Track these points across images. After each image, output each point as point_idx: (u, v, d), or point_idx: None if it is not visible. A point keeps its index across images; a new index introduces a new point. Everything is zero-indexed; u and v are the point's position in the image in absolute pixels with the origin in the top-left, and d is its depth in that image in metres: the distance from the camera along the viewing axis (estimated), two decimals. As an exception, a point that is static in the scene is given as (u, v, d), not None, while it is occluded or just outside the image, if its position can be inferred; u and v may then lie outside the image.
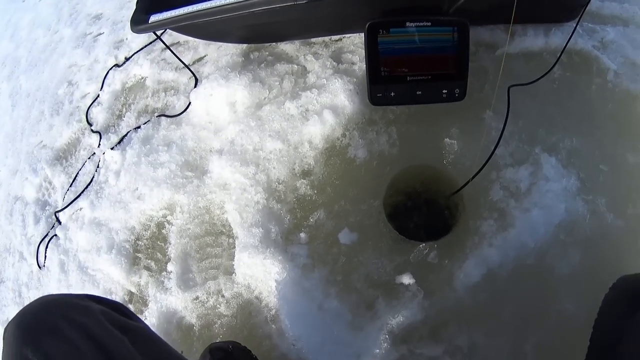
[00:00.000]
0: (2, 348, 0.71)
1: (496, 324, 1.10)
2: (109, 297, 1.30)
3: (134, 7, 1.30)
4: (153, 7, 1.27)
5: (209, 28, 1.36)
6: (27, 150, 1.85)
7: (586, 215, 1.18)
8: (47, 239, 1.52)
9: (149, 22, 1.23)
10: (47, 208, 1.62)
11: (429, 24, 1.14)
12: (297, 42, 1.50)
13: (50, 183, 1.67)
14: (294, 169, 1.27)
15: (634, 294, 0.99)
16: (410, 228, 1.21)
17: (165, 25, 1.25)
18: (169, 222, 1.34)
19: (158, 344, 0.89)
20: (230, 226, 1.26)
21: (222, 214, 1.29)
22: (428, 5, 1.19)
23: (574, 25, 1.32)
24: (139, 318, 0.92)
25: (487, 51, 1.41)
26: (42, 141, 1.81)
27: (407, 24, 1.14)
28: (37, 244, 1.54)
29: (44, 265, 1.51)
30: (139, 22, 1.25)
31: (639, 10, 1.60)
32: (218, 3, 1.18)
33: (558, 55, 1.31)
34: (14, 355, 0.70)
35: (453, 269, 1.14)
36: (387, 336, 1.10)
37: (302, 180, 1.26)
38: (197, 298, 1.24)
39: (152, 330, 0.92)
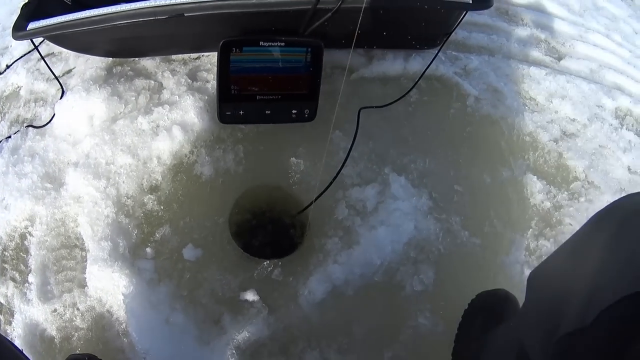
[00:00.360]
0: None
1: (348, 340, 1.12)
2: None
3: None
4: (35, 15, 1.27)
5: (77, 39, 1.36)
6: None
7: (439, 233, 1.22)
8: None
9: (27, 29, 1.24)
10: None
11: (283, 43, 1.17)
12: (158, 59, 1.51)
13: None
14: (143, 184, 1.28)
15: (491, 309, 1.04)
16: (255, 246, 1.23)
17: (39, 33, 1.26)
18: (30, 234, 1.32)
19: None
20: (82, 239, 1.26)
21: (76, 226, 1.28)
22: (285, 27, 1.20)
23: (436, 52, 1.39)
24: None
25: (343, 74, 1.42)
26: None
27: (261, 43, 1.16)
28: None
29: None
30: (19, 28, 1.25)
31: (506, 41, 1.69)
32: (85, 15, 1.19)
33: (416, 80, 1.37)
34: None
35: (297, 285, 1.16)
36: (234, 351, 1.11)
37: (149, 195, 1.26)
38: (55, 310, 1.22)
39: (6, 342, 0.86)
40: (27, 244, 1.31)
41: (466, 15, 1.30)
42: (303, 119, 1.24)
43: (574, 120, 1.55)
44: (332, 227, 1.21)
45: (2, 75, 1.71)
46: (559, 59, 1.76)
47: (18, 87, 1.66)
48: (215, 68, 1.29)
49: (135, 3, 1.18)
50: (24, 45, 1.74)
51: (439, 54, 1.40)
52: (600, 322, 0.55)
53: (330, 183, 1.17)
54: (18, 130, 1.49)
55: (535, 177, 1.37)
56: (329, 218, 1.22)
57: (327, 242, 1.19)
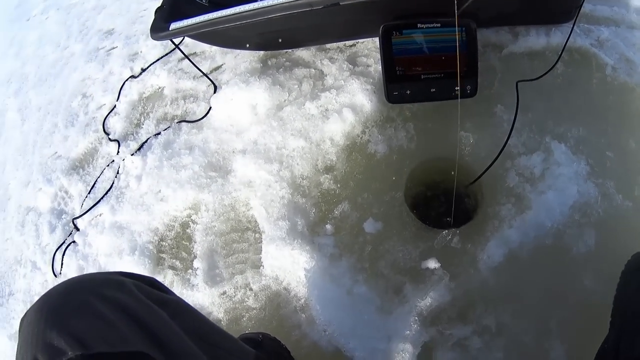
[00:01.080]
0: (18, 342, 0.63)
1: (521, 304, 1.15)
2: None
3: (148, 20, 1.37)
4: (171, 16, 1.34)
5: (227, 35, 1.42)
6: (39, 162, 1.87)
7: (597, 197, 1.25)
8: (64, 246, 1.53)
9: (170, 29, 1.30)
10: (63, 216, 1.63)
11: (439, 25, 1.22)
12: (312, 49, 1.57)
13: (66, 192, 1.69)
14: (317, 165, 1.34)
15: None
16: (433, 217, 1.28)
17: (185, 32, 1.32)
18: (193, 222, 1.39)
19: (199, 317, 0.85)
20: (256, 222, 1.32)
21: (248, 210, 1.34)
22: (435, 11, 1.25)
23: (572, 26, 1.42)
24: (174, 293, 0.85)
25: (494, 51, 1.49)
26: (56, 152, 1.84)
27: (419, 25, 1.21)
28: (53, 253, 1.53)
29: (59, 273, 1.51)
30: (159, 29, 1.31)
31: (627, 12, 1.71)
32: (236, 10, 1.24)
33: (559, 53, 1.40)
34: (34, 344, 0.60)
35: (476, 251, 1.20)
36: (416, 318, 1.14)
37: (325, 175, 1.32)
38: (224, 293, 1.27)
39: (189, 304, 0.86)
40: (189, 231, 1.38)
41: None
42: (465, 95, 1.28)
43: None
44: (504, 195, 1.25)
45: (137, 79, 1.82)
46: None
47: (160, 87, 1.75)
48: (374, 53, 1.36)
49: None
50: (157, 49, 1.85)
51: (574, 28, 1.45)
52: None
53: (500, 153, 1.22)
54: (169, 127, 1.57)
55: None
56: (501, 186, 1.26)
57: (501, 209, 1.23)
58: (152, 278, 0.82)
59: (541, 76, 1.36)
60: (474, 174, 1.25)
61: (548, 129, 1.34)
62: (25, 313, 0.64)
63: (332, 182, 1.31)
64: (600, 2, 1.73)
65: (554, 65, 1.38)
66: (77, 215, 1.57)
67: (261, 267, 1.28)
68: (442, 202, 1.31)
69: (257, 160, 1.35)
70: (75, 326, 0.61)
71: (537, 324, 1.13)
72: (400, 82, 1.27)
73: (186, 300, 1.16)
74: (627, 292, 1.04)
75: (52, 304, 0.64)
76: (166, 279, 1.35)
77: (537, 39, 1.49)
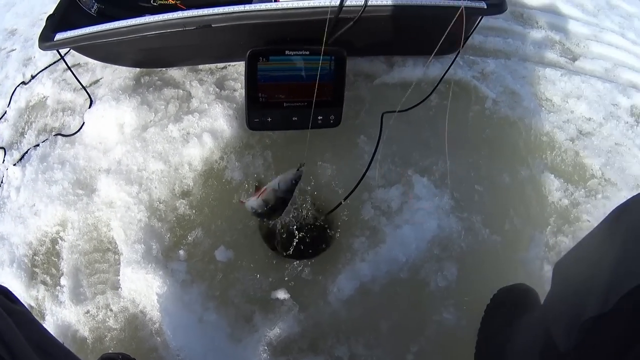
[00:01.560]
0: None
1: (375, 335, 1.17)
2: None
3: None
4: (60, 26, 1.34)
5: (106, 49, 1.42)
6: None
7: (461, 231, 1.28)
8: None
9: (54, 39, 1.30)
10: None
11: (308, 52, 1.24)
12: (185, 69, 1.58)
13: None
14: (174, 189, 1.35)
15: (513, 302, 1.10)
16: (286, 248, 1.27)
17: (67, 44, 1.33)
18: (61, 238, 1.38)
19: (41, 329, 0.88)
20: (115, 243, 1.32)
21: (109, 231, 1.34)
22: (309, 37, 1.27)
23: (453, 58, 1.45)
24: (23, 304, 0.89)
25: (366, 80, 1.51)
26: None
27: (287, 52, 1.23)
28: None
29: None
30: (45, 39, 1.32)
31: (522, 44, 1.75)
32: (115, 26, 1.26)
33: (435, 85, 1.43)
34: None
35: (327, 283, 1.22)
36: (266, 347, 1.16)
37: (181, 200, 1.33)
38: (88, 312, 1.27)
39: (34, 316, 0.89)
40: (58, 248, 1.37)
41: (482, 20, 1.36)
42: (329, 124, 1.31)
43: (589, 119, 1.60)
44: (359, 227, 1.27)
45: (27, 86, 1.79)
46: (574, 59, 1.82)
47: (44, 97, 1.73)
48: (243, 77, 1.35)
49: (165, 14, 1.25)
50: (48, 56, 1.82)
51: (457, 59, 1.47)
52: (619, 307, 0.61)
53: (356, 185, 1.23)
54: (47, 139, 1.55)
55: (553, 175, 1.42)
56: (356, 219, 1.28)
57: (354, 241, 1.25)
58: (5, 288, 0.85)
59: (410, 108, 1.37)
60: (330, 205, 1.26)
61: (412, 161, 1.37)
62: None
63: (187, 207, 1.32)
64: (493, 34, 1.77)
65: (426, 98, 1.40)
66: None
67: (120, 289, 1.28)
68: (295, 233, 1.31)
69: (119, 181, 1.35)
70: None
71: (393, 355, 1.15)
72: (262, 109, 1.29)
73: (57, 317, 1.27)
74: (492, 326, 1.06)
75: None
76: (39, 293, 1.34)
77: (412, 71, 1.52)
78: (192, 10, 1.22)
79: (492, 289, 1.06)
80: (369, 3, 1.21)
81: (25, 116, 1.72)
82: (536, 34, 1.86)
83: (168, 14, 1.23)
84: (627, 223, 0.70)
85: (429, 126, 1.44)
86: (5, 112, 1.76)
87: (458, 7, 1.26)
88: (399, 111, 1.35)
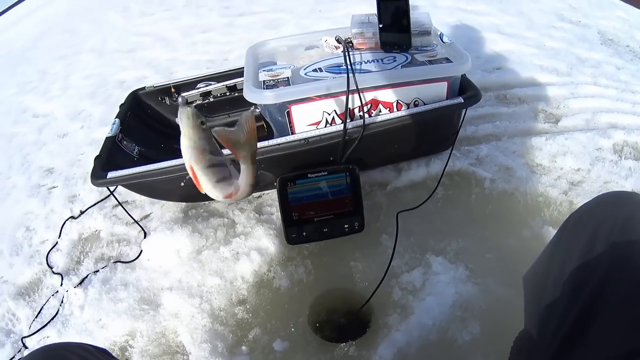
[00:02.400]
0: None
1: None
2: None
3: (85, 164, 1.74)
4: (107, 165, 1.67)
5: (155, 186, 1.72)
6: None
7: (478, 293, 1.49)
8: (14, 363, 1.70)
9: (107, 177, 1.59)
10: (11, 335, 1.83)
11: (326, 172, 1.54)
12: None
13: (13, 315, 1.92)
14: (232, 299, 1.66)
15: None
16: (332, 334, 1.58)
17: (120, 181, 1.63)
18: (130, 346, 1.65)
19: None
20: (183, 346, 1.60)
21: (176, 337, 1.63)
22: (324, 160, 1.65)
23: (449, 153, 1.84)
24: None
25: (380, 188, 1.89)
26: (2, 276, 2.10)
27: (309, 175, 1.54)
28: (2, 369, 1.70)
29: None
30: (98, 177, 1.59)
31: (509, 123, 2.15)
32: (162, 165, 1.61)
33: (438, 180, 1.81)
34: None
35: (370, 355, 1.47)
36: None
37: (239, 307, 1.64)
38: None
39: None
40: (127, 354, 1.64)
41: (469, 112, 1.68)
42: (354, 230, 1.60)
43: (578, 169, 1.87)
44: (391, 307, 1.50)
45: (76, 220, 2.17)
46: (557, 121, 2.12)
47: (97, 230, 2.10)
48: (276, 202, 1.69)
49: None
50: (94, 193, 2.23)
51: (453, 152, 1.77)
52: (563, 290, 0.79)
53: (384, 277, 1.50)
54: (106, 265, 1.90)
55: (551, 227, 1.65)
56: (387, 301, 1.52)
57: (389, 319, 1.47)
58: (104, 349, 1.01)
59: (420, 205, 1.71)
60: (366, 295, 1.56)
61: (429, 247, 1.68)
62: None
63: (245, 312, 1.63)
64: (483, 121, 2.19)
65: (432, 193, 1.75)
66: (26, 335, 1.79)
67: None
68: (340, 322, 1.63)
69: (182, 295, 1.67)
70: None
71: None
72: (297, 225, 1.57)
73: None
74: None
75: (34, 356, 0.82)
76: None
77: (417, 171, 1.88)
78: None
79: (513, 333, 1.18)
80: (367, 122, 1.54)
81: (80, 247, 2.05)
82: (520, 110, 2.20)
83: None
84: (566, 233, 0.90)
85: (439, 215, 1.74)
86: (57, 243, 2.11)
87: (439, 108, 1.63)
88: (410, 209, 1.67)
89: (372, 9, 1.73)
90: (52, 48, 5.25)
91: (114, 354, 1.61)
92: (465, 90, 1.67)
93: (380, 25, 1.76)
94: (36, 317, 1.87)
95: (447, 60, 1.64)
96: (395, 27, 1.75)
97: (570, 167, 1.91)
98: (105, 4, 6.60)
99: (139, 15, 5.46)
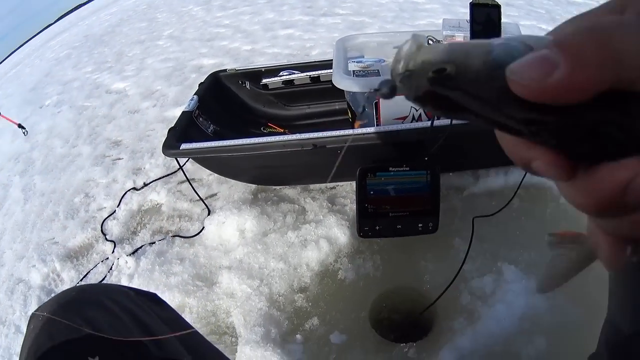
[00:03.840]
0: (30, 333, 0.72)
1: None
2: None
3: (153, 140, 1.71)
4: (181, 138, 1.66)
5: (228, 163, 1.72)
6: (37, 242, 2.14)
7: (547, 308, 1.44)
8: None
9: (180, 148, 1.61)
10: (52, 294, 1.75)
11: (407, 168, 1.48)
12: (298, 188, 1.93)
13: (58, 275, 1.93)
14: (293, 285, 1.61)
15: None
16: (392, 334, 1.51)
17: (193, 154, 1.63)
18: None
19: (212, 350, 0.95)
20: (234, 328, 1.55)
21: (227, 317, 1.58)
22: (407, 155, 1.60)
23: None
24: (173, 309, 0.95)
25: (456, 193, 1.84)
26: (54, 238, 2.12)
27: (390, 168, 1.48)
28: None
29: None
30: (171, 147, 1.62)
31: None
32: (238, 142, 1.58)
33: (515, 191, 1.74)
34: (49, 325, 0.70)
35: (430, 358, 1.41)
36: None
37: (299, 294, 1.59)
38: None
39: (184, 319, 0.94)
40: None
41: None
42: (428, 231, 1.52)
43: None
44: (458, 312, 1.46)
45: (139, 192, 2.17)
46: None
47: (158, 203, 2.09)
48: (351, 195, 1.67)
49: (284, 136, 1.60)
50: (160, 168, 2.23)
51: None
52: None
53: (453, 279, 1.45)
54: (163, 238, 1.88)
55: None
56: (455, 305, 1.49)
57: (454, 323, 1.42)
58: (154, 293, 0.93)
59: (496, 212, 1.64)
60: (431, 299, 1.49)
61: (501, 255, 1.61)
62: (39, 307, 0.75)
63: (304, 300, 1.58)
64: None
65: (509, 202, 1.69)
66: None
67: None
68: (402, 323, 1.55)
69: (241, 276, 1.63)
70: (88, 313, 0.73)
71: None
72: (371, 218, 1.52)
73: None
74: None
75: (68, 295, 0.77)
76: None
77: (495, 180, 1.83)
78: (311, 134, 1.54)
79: (580, 354, 1.09)
80: (453, 123, 1.48)
81: (138, 218, 2.05)
82: None
83: (285, 135, 1.56)
84: None
85: (514, 225, 1.70)
86: (115, 212, 2.11)
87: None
88: (487, 216, 1.65)
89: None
90: (130, 34, 5.39)
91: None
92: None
93: (472, 30, 1.70)
94: (81, 280, 1.86)
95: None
96: (485, 34, 1.70)
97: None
98: (186, -3, 6.71)
99: (220, 9, 5.56)
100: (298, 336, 1.49)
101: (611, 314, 0.93)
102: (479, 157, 1.82)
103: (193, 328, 0.91)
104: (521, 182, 1.70)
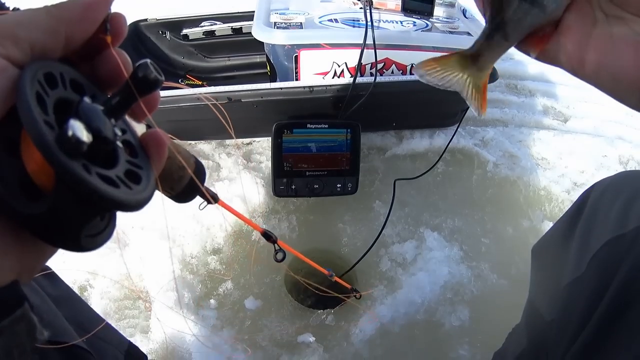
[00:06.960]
0: None
1: None
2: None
3: None
4: None
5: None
6: None
7: (471, 277, 1.46)
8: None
9: None
10: None
11: (326, 125, 1.47)
12: (213, 143, 1.85)
13: None
14: (206, 247, 1.57)
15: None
16: (309, 299, 1.50)
17: None
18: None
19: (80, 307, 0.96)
20: (147, 293, 1.50)
21: (141, 281, 1.53)
22: (326, 113, 1.54)
23: (455, 129, 1.73)
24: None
25: (378, 153, 1.81)
26: None
27: (308, 125, 1.47)
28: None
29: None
30: None
31: (517, 112, 2.06)
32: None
33: (440, 154, 1.70)
34: None
35: (349, 327, 1.38)
36: None
37: (212, 256, 1.55)
38: None
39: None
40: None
41: None
42: (347, 191, 1.53)
43: (582, 171, 1.84)
44: (377, 278, 1.47)
45: None
46: (565, 120, 2.10)
47: None
48: (267, 151, 1.62)
49: (198, 89, 1.51)
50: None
51: (458, 130, 1.74)
52: (589, 267, 0.72)
53: (372, 244, 1.44)
54: None
55: (550, 222, 1.62)
56: (374, 271, 1.48)
57: (373, 290, 1.43)
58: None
59: (420, 175, 1.63)
60: (350, 263, 1.48)
61: (423, 221, 1.62)
62: None
63: (218, 263, 1.54)
64: (491, 105, 2.08)
65: (433, 165, 1.67)
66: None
67: (149, 332, 1.44)
68: (319, 287, 1.52)
69: (153, 237, 1.57)
70: None
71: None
72: (287, 177, 1.50)
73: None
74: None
75: None
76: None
77: (420, 142, 1.81)
78: (228, 86, 1.47)
79: (502, 329, 1.15)
80: (377, 80, 1.44)
81: None
82: (530, 102, 2.17)
83: (199, 88, 1.48)
84: (589, 203, 0.83)
85: (437, 190, 1.70)
86: None
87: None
88: (409, 179, 1.62)
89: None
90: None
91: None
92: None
93: (406, -13, 1.69)
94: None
95: (468, 34, 1.58)
96: (420, -8, 1.70)
97: (575, 167, 1.88)
98: None
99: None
100: (212, 301, 1.46)
101: (532, 295, 0.97)
102: (404, 118, 1.80)
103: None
104: (447, 146, 1.71)
